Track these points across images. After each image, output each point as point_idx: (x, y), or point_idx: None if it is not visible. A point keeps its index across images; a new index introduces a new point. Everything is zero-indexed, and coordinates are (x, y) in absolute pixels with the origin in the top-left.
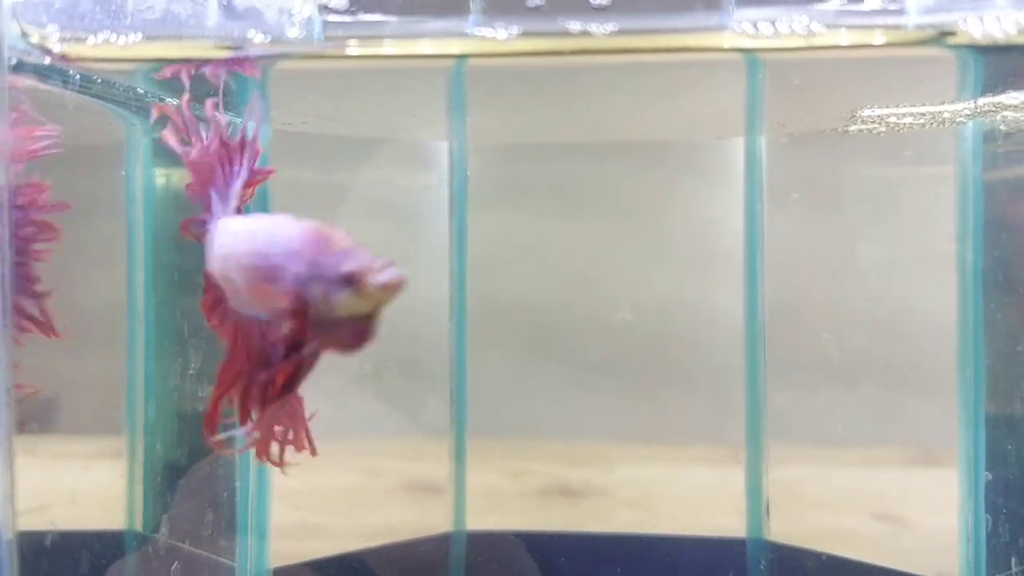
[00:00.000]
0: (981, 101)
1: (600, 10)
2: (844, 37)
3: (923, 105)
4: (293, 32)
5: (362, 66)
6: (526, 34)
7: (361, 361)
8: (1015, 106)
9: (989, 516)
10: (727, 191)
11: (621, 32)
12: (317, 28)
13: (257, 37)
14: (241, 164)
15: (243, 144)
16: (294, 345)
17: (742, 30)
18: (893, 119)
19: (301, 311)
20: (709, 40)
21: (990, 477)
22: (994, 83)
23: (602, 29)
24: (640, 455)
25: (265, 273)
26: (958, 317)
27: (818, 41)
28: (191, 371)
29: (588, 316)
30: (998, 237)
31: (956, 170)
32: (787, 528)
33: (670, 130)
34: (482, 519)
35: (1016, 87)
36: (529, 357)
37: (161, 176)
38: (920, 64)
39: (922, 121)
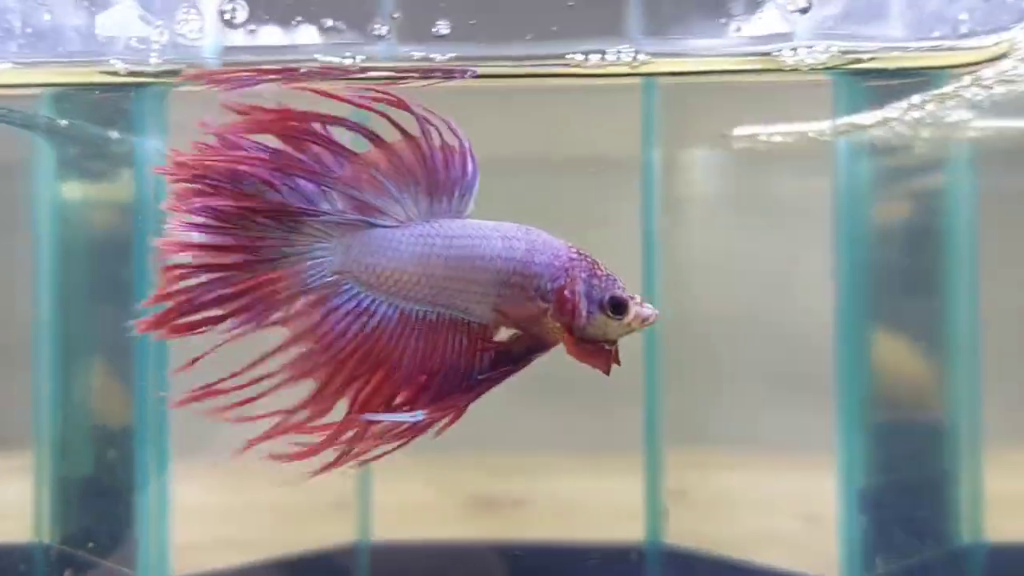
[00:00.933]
0: (839, 121)
1: (440, 38)
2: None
3: (791, 123)
4: (154, 59)
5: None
6: (371, 59)
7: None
8: (870, 125)
9: (867, 519)
10: (625, 203)
11: (459, 59)
12: (214, 51)
13: (117, 64)
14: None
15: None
16: (511, 355)
17: (575, 61)
18: (764, 137)
19: (566, 323)
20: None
21: (866, 480)
22: (863, 105)
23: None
24: (555, 465)
25: (519, 281)
26: (835, 325)
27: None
28: (98, 385)
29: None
30: (873, 248)
31: (832, 183)
32: (686, 532)
33: (569, 145)
34: (402, 531)
35: (868, 108)
36: None
37: (70, 191)
38: (795, 88)
39: (791, 140)
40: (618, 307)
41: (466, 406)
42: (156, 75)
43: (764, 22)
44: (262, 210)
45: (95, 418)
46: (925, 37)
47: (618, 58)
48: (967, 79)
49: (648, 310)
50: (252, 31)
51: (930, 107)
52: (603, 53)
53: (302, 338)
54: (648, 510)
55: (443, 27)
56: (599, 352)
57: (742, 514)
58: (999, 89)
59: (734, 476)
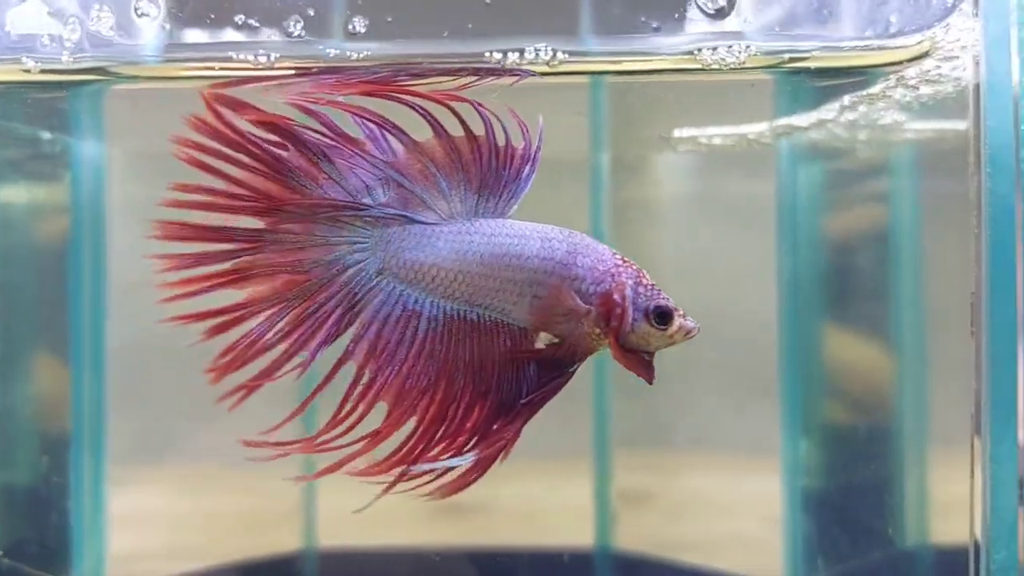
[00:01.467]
0: (777, 123)
1: (356, 36)
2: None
3: (731, 126)
4: (66, 58)
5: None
6: (287, 57)
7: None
8: (806, 127)
9: (810, 521)
10: (573, 206)
11: (372, 57)
12: (154, 48)
13: (29, 63)
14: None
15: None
16: (560, 361)
17: (496, 60)
18: (704, 139)
19: (613, 328)
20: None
21: (808, 481)
22: (792, 107)
23: (357, 55)
24: (502, 471)
25: (556, 282)
26: (779, 328)
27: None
28: (23, 393)
29: None
30: (817, 250)
31: (775, 187)
32: (638, 536)
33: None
34: (357, 536)
35: (805, 109)
36: None
37: (8, 194)
38: (736, 91)
39: (731, 143)
40: (663, 317)
41: (515, 437)
42: (79, 72)
43: (697, 24)
44: (307, 204)
45: (36, 426)
46: (856, 37)
47: (536, 57)
48: (893, 79)
49: (691, 323)
50: (165, 28)
51: (862, 108)
52: (521, 52)
53: (366, 362)
54: (597, 514)
55: (359, 24)
56: (642, 361)
57: (695, 517)
58: (925, 90)
59: (687, 479)
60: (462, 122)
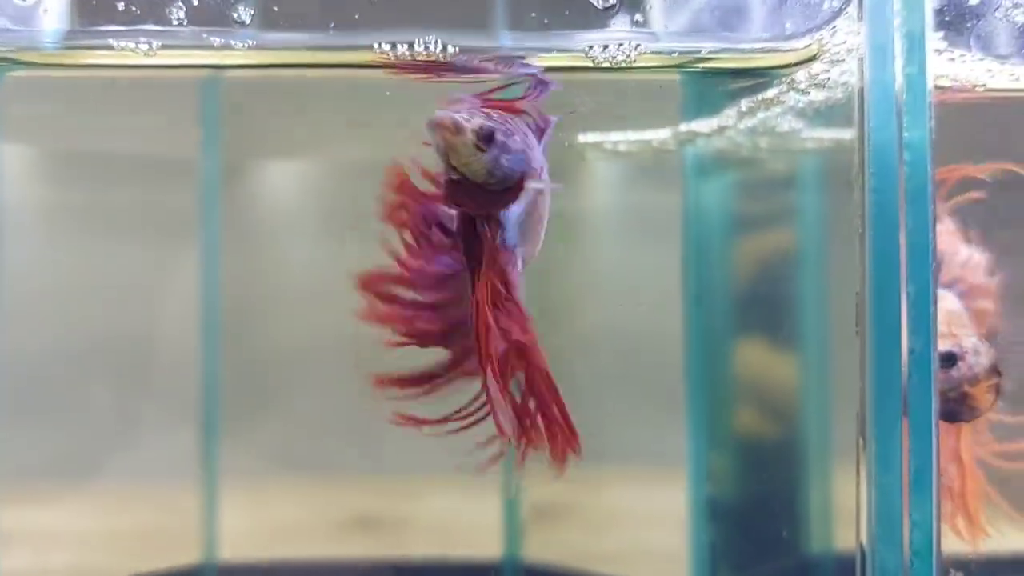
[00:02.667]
0: (681, 128)
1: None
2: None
3: (632, 132)
4: None
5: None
6: (167, 47)
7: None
8: (708, 134)
9: (717, 532)
10: None
11: (260, 47)
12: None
13: None
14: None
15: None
16: None
17: (381, 51)
18: (609, 145)
19: None
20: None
21: (713, 491)
22: (694, 113)
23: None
24: (416, 484)
25: None
26: (685, 341)
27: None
28: None
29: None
30: (726, 262)
31: (681, 198)
32: (548, 548)
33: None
34: (264, 551)
35: (706, 115)
36: (321, 390)
37: None
38: (643, 96)
39: (636, 149)
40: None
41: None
42: None
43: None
44: None
45: None
46: (752, 39)
47: (426, 50)
48: (785, 84)
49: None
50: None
51: (760, 114)
52: (411, 44)
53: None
54: (507, 527)
55: (244, 13)
56: None
57: (605, 529)
58: (817, 95)
59: (597, 492)
60: None
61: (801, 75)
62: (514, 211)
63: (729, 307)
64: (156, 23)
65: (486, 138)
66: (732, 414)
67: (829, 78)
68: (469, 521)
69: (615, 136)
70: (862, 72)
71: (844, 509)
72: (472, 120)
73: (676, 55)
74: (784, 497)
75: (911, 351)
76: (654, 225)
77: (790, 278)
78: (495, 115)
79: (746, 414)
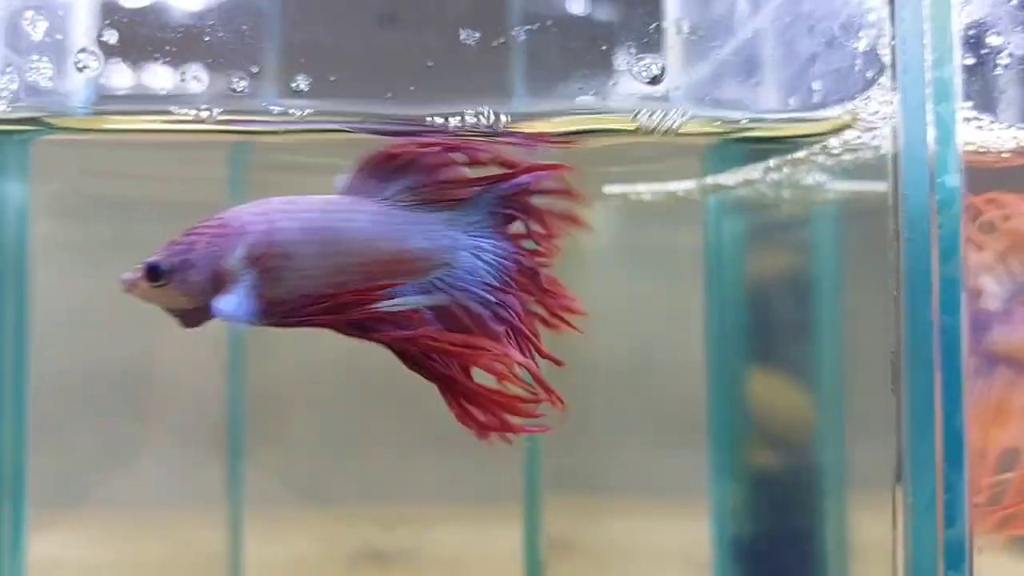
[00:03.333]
0: (707, 180)
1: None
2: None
3: (662, 183)
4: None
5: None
6: (228, 112)
7: (134, 423)
8: (733, 187)
9: (739, 567)
10: None
11: (316, 114)
12: (83, 98)
13: None
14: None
15: None
16: None
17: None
18: (633, 196)
19: None
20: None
21: (738, 527)
22: (720, 167)
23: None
24: (432, 516)
25: None
26: (707, 373)
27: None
28: None
29: (394, 378)
30: (745, 299)
31: (703, 237)
32: None
33: None
34: None
35: (730, 170)
36: (324, 420)
37: None
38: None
39: (660, 199)
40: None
41: None
42: (12, 123)
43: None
44: None
45: None
46: (781, 109)
47: (478, 122)
48: (816, 147)
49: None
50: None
51: (787, 170)
52: (462, 116)
53: None
54: (527, 560)
55: (302, 82)
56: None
57: (625, 563)
58: (846, 156)
59: (618, 524)
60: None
61: (835, 141)
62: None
63: (748, 341)
64: (216, 92)
65: (152, 275)
66: (750, 448)
67: (862, 142)
68: (485, 553)
69: (639, 187)
70: (896, 139)
71: (859, 546)
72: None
73: (718, 124)
74: (801, 533)
75: (944, 412)
76: (675, 263)
77: (806, 313)
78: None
79: (764, 448)
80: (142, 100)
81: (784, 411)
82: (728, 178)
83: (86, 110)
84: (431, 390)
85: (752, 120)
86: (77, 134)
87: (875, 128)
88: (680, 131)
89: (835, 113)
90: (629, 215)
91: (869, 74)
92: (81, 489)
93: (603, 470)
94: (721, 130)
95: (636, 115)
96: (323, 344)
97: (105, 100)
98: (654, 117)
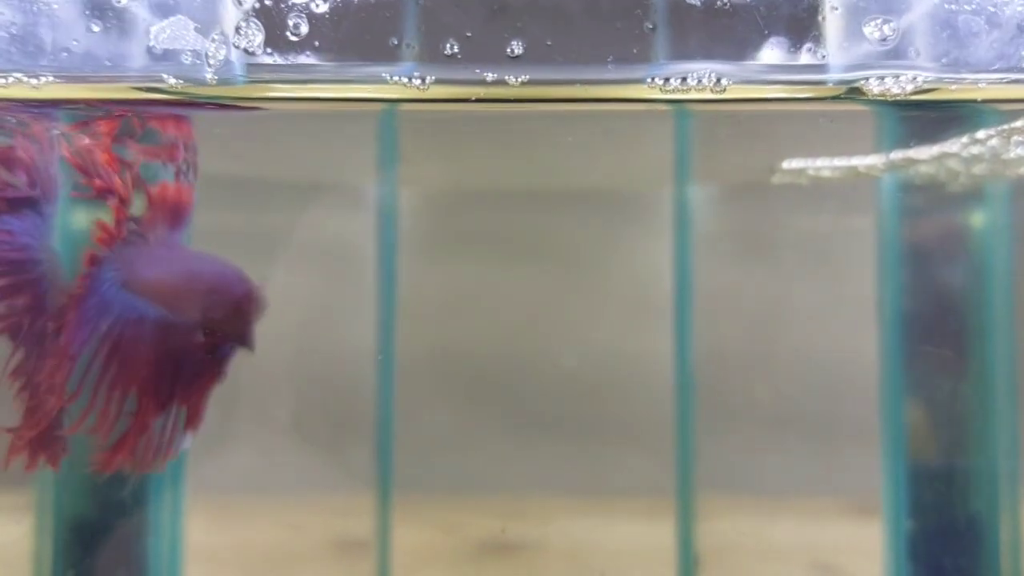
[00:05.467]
0: (894, 155)
1: (515, 59)
2: (766, 91)
3: (840, 158)
4: (210, 75)
5: (290, 109)
6: (441, 81)
7: (284, 411)
8: (925, 160)
9: (912, 566)
10: (658, 241)
11: (533, 82)
12: (238, 69)
13: (173, 80)
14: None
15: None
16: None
17: (655, 84)
18: (812, 172)
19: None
20: (627, 92)
21: (912, 525)
22: (907, 138)
23: (515, 79)
24: (575, 509)
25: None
26: (880, 367)
27: (735, 94)
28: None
29: (521, 367)
30: (918, 287)
31: (876, 221)
32: None
33: (604, 180)
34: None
35: (923, 142)
36: (463, 409)
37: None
38: (839, 119)
39: (839, 174)
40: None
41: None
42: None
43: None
44: None
45: None
46: (1002, 69)
47: (699, 83)
48: None
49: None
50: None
51: (993, 142)
52: (684, 79)
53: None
54: (680, 559)
55: (517, 47)
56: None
57: (765, 564)
58: None
59: (757, 523)
60: None
61: None
62: None
63: (919, 333)
64: (430, 58)
65: None
66: (921, 443)
67: None
68: (646, 550)
69: (819, 163)
70: None
71: None
72: None
73: (954, 86)
74: (972, 532)
75: None
76: (846, 251)
77: (977, 299)
78: None
79: (931, 445)
80: (354, 68)
81: (946, 415)
82: (921, 152)
83: (296, 79)
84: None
85: (972, 81)
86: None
87: None
88: (911, 98)
89: None
90: (795, 196)
91: None
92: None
93: (762, 468)
94: (958, 95)
95: (867, 81)
96: (449, 332)
97: (307, 70)
98: (886, 83)
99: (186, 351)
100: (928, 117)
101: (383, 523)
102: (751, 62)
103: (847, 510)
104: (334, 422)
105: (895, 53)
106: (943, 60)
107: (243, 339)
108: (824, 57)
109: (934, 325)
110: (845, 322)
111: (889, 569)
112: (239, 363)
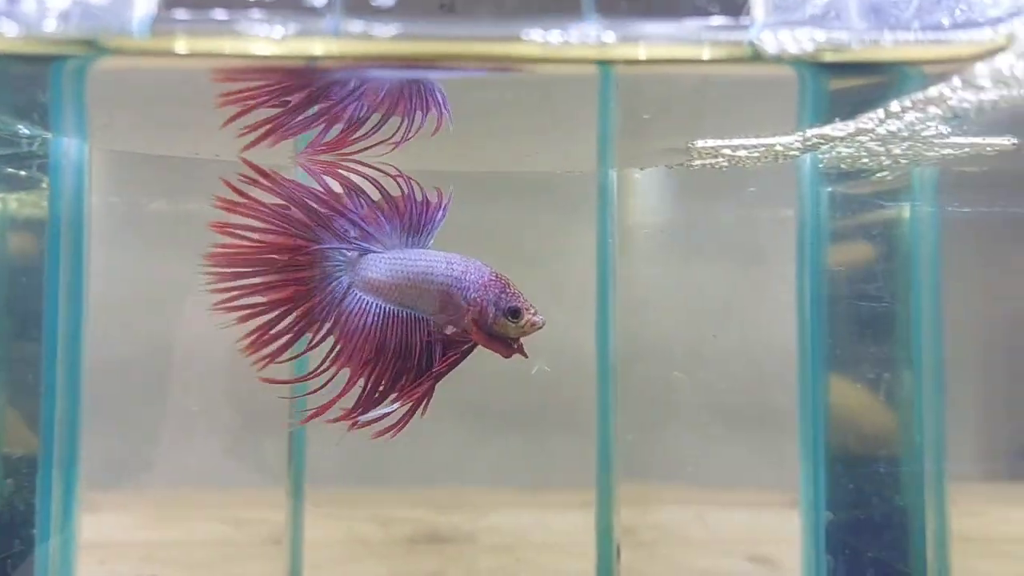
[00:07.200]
0: (810, 132)
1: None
2: (691, 52)
3: (757, 137)
4: (50, 25)
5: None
6: (303, 34)
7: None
8: (842, 138)
9: (831, 556)
10: (580, 225)
11: (404, 36)
12: (139, 23)
13: (8, 27)
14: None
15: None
16: (456, 343)
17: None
18: (728, 151)
19: (478, 321)
20: (553, 52)
21: (831, 516)
22: (829, 118)
23: (384, 32)
24: (504, 500)
25: (454, 291)
26: (797, 356)
27: (660, 53)
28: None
29: None
30: (841, 277)
31: (796, 209)
32: (639, 570)
33: (527, 165)
34: (344, 569)
35: (844, 116)
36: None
37: None
38: (759, 88)
39: (756, 155)
40: (515, 313)
41: (430, 393)
42: (69, 44)
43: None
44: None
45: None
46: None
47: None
48: (956, 80)
49: (538, 318)
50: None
51: (909, 117)
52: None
53: (337, 337)
54: (600, 548)
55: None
56: (502, 344)
57: (692, 554)
58: (990, 95)
59: (684, 513)
60: (384, 192)
61: (981, 69)
62: None
63: (840, 324)
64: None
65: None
66: (841, 434)
67: (1014, 74)
68: (550, 540)
69: (735, 141)
70: None
71: (959, 539)
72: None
73: (830, 48)
74: (897, 525)
75: None
76: (766, 239)
77: (903, 294)
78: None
79: (854, 436)
80: (207, 21)
81: (871, 406)
82: (837, 128)
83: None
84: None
85: (867, 42)
86: (132, 58)
87: None
88: (797, 58)
89: (983, 36)
90: (716, 182)
91: None
92: (135, 468)
93: (679, 457)
94: (825, 53)
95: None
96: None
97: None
98: (765, 39)
99: (420, 342)
100: (851, 93)
101: (295, 517)
102: (677, 21)
103: (764, 499)
104: (248, 416)
105: (820, 19)
106: (865, 23)
107: (503, 347)
108: (750, 20)
109: (857, 317)
110: (768, 312)
111: (808, 561)
112: (143, 353)
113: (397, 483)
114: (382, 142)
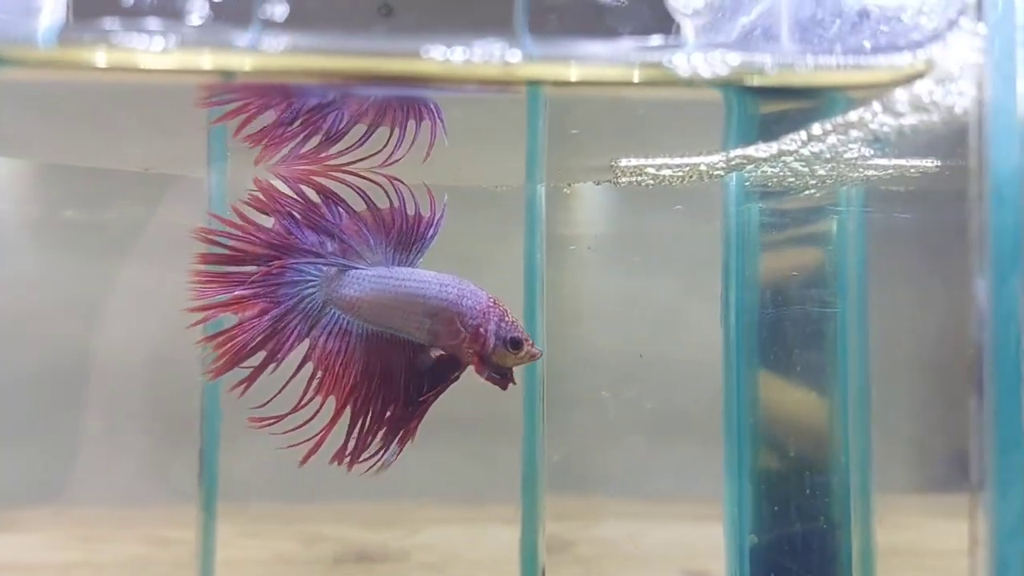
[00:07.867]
0: (733, 153)
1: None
2: (621, 75)
3: (681, 156)
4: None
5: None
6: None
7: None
8: (765, 159)
9: (754, 571)
10: (507, 240)
11: (295, 50)
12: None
13: None
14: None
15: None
16: (450, 369)
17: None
18: (652, 171)
19: (477, 350)
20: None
21: (755, 540)
22: (750, 134)
23: (274, 47)
24: (434, 516)
25: (448, 316)
26: (723, 372)
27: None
28: None
29: None
30: (766, 294)
31: (722, 225)
32: None
33: (457, 176)
34: None
35: (766, 137)
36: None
37: None
38: (684, 108)
39: (681, 174)
40: (515, 344)
41: (418, 424)
42: None
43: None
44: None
45: None
46: (831, 52)
47: (495, 58)
48: (877, 105)
49: (536, 350)
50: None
51: (831, 140)
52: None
53: (313, 361)
54: (524, 563)
55: (278, 12)
56: (501, 373)
57: (626, 570)
58: (909, 120)
59: (617, 526)
60: (372, 199)
61: (900, 95)
62: None
63: (766, 336)
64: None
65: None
66: (766, 450)
67: (935, 102)
68: (477, 557)
69: (659, 160)
70: (980, 93)
71: (885, 552)
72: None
73: (748, 70)
74: (823, 539)
75: None
76: (692, 254)
77: (826, 308)
78: None
79: (782, 449)
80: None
81: (798, 420)
82: (760, 149)
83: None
84: None
85: (798, 66)
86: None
87: (952, 81)
88: (714, 80)
89: (903, 61)
90: (640, 197)
91: (950, 14)
92: (37, 487)
93: (606, 469)
94: (747, 76)
95: (669, 62)
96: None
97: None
98: (677, 62)
99: (404, 367)
100: (776, 115)
101: (207, 536)
102: (608, 42)
103: (714, 515)
104: (156, 429)
105: (745, 43)
106: (794, 45)
107: (499, 375)
108: (679, 42)
109: (783, 331)
110: (697, 325)
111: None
112: (55, 367)
113: (321, 498)
114: (366, 157)
